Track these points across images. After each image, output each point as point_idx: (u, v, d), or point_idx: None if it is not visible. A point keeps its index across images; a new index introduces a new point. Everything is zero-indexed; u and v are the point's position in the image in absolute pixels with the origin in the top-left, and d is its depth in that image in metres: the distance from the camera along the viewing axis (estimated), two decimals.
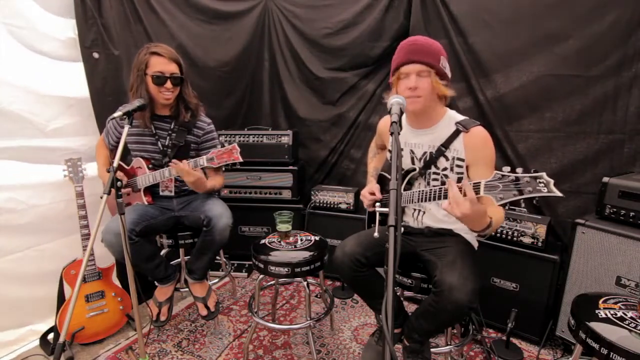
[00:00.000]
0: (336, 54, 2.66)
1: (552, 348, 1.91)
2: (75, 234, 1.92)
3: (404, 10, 2.37)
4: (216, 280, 2.32)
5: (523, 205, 1.01)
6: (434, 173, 1.45)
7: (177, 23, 2.49)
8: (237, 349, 1.94)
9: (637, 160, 1.87)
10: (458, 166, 1.39)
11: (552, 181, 0.96)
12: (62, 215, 1.99)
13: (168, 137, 1.89)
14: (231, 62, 2.78)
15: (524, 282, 1.89)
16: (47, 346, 1.86)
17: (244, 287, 2.60)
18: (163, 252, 2.04)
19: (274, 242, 1.85)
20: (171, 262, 2.11)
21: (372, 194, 1.57)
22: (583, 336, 1.19)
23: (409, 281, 1.53)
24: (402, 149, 1.52)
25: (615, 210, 1.64)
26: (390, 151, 1.62)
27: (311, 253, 1.74)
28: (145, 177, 1.84)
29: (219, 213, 1.84)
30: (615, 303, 1.28)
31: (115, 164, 1.35)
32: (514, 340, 1.93)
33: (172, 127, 1.89)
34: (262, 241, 1.86)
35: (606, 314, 1.22)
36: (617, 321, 1.18)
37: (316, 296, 2.45)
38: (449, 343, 1.64)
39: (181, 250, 2.25)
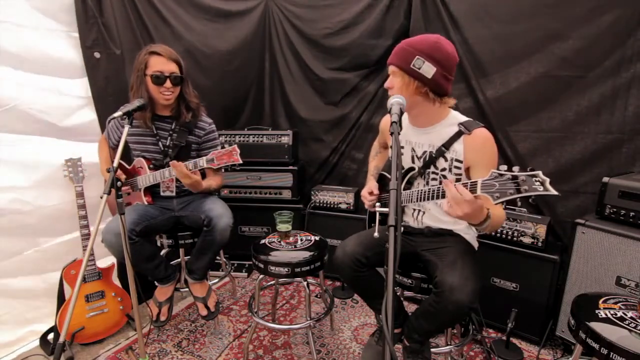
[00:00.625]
0: (337, 54, 2.66)
1: (552, 348, 1.91)
2: (75, 234, 1.91)
3: (404, 10, 2.37)
4: (216, 280, 2.32)
5: (520, 204, 1.01)
6: (433, 173, 1.45)
7: (179, 21, 2.49)
8: (237, 349, 1.94)
9: (637, 160, 1.87)
10: (456, 167, 1.39)
11: (548, 179, 0.96)
12: (65, 215, 1.99)
13: (169, 138, 1.89)
14: (234, 61, 2.77)
15: (524, 282, 1.89)
16: (47, 346, 1.86)
17: (244, 287, 2.60)
18: (163, 252, 2.04)
19: (274, 242, 1.85)
20: (171, 262, 2.12)
21: (372, 193, 1.57)
22: (583, 336, 1.19)
23: (409, 281, 1.53)
24: (402, 147, 1.52)
25: (615, 210, 1.64)
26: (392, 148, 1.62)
27: (311, 253, 1.74)
28: (146, 177, 1.84)
29: (220, 213, 1.84)
30: (615, 303, 1.28)
31: (115, 164, 1.35)
32: (514, 340, 1.94)
33: (173, 127, 1.89)
34: (262, 241, 1.86)
35: (606, 314, 1.22)
36: (617, 321, 1.18)
37: (316, 296, 2.45)
38: (449, 343, 1.64)
39: (181, 250, 2.25)
